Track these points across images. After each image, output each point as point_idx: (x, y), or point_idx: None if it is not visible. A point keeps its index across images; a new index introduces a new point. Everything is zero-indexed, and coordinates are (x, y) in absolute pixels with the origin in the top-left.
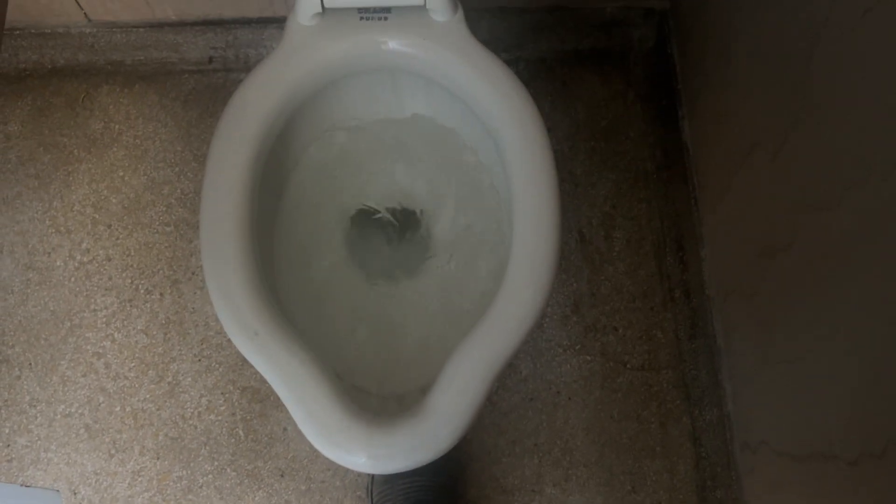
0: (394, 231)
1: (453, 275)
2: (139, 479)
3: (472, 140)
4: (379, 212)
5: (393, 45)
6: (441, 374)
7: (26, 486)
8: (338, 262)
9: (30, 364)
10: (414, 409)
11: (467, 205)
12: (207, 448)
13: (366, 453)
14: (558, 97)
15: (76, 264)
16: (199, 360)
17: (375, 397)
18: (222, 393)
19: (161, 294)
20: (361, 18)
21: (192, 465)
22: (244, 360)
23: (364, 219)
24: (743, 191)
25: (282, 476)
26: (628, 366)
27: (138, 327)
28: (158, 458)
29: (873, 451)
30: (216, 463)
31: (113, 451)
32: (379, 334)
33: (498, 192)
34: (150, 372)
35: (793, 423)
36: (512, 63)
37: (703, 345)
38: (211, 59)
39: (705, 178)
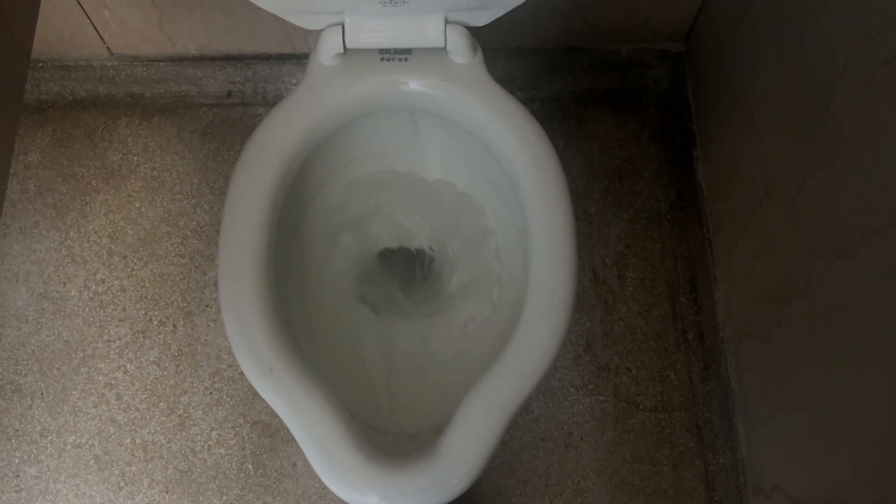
0: (410, 271)
1: (468, 316)
2: None
3: (486, 188)
4: (400, 248)
5: (413, 85)
6: (455, 415)
7: None
8: (352, 300)
9: (42, 393)
10: (427, 450)
11: (480, 250)
12: (216, 482)
13: (378, 493)
14: (573, 137)
15: (91, 294)
16: (211, 393)
17: (388, 436)
18: (232, 427)
19: (174, 326)
20: (382, 59)
21: (200, 499)
22: (255, 394)
23: (381, 257)
24: (758, 234)
25: None
26: (641, 407)
27: (151, 359)
28: (167, 492)
29: (891, 501)
30: (225, 498)
31: (122, 484)
32: (392, 373)
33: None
34: (161, 404)
35: (808, 469)
36: (527, 102)
37: (717, 387)
38: (229, 94)
39: (720, 220)
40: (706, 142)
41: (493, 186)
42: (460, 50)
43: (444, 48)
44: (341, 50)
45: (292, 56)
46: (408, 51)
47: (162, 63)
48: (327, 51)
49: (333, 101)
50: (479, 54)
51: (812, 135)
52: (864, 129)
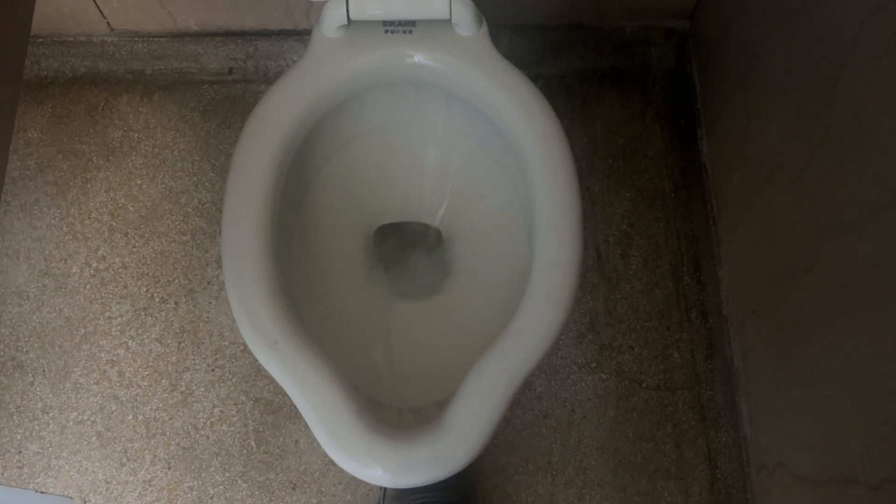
0: (412, 247)
1: (471, 292)
2: (150, 489)
3: (490, 164)
4: (403, 225)
5: (418, 58)
6: (460, 389)
7: (41, 493)
8: (356, 275)
9: (43, 370)
10: (432, 424)
11: (484, 227)
12: (219, 459)
13: (382, 466)
14: (577, 115)
15: (92, 271)
16: (213, 370)
17: (392, 410)
18: (235, 403)
19: (176, 303)
20: (386, 31)
21: (203, 475)
22: (258, 371)
23: (384, 234)
24: (763, 212)
25: (293, 489)
26: (644, 385)
27: (152, 336)
28: (170, 468)
29: None
30: (227, 474)
31: (124, 460)
32: (396, 348)
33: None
34: (164, 381)
35: (811, 446)
36: (531, 80)
37: (720, 366)
38: (230, 70)
39: (724, 199)
40: (711, 120)
41: (498, 162)
42: (465, 22)
43: (449, 20)
44: (345, 21)
45: (294, 32)
46: (412, 23)
47: (163, 39)
48: (331, 22)
49: (337, 74)
50: (485, 27)
51: (820, 110)
52: (875, 102)
